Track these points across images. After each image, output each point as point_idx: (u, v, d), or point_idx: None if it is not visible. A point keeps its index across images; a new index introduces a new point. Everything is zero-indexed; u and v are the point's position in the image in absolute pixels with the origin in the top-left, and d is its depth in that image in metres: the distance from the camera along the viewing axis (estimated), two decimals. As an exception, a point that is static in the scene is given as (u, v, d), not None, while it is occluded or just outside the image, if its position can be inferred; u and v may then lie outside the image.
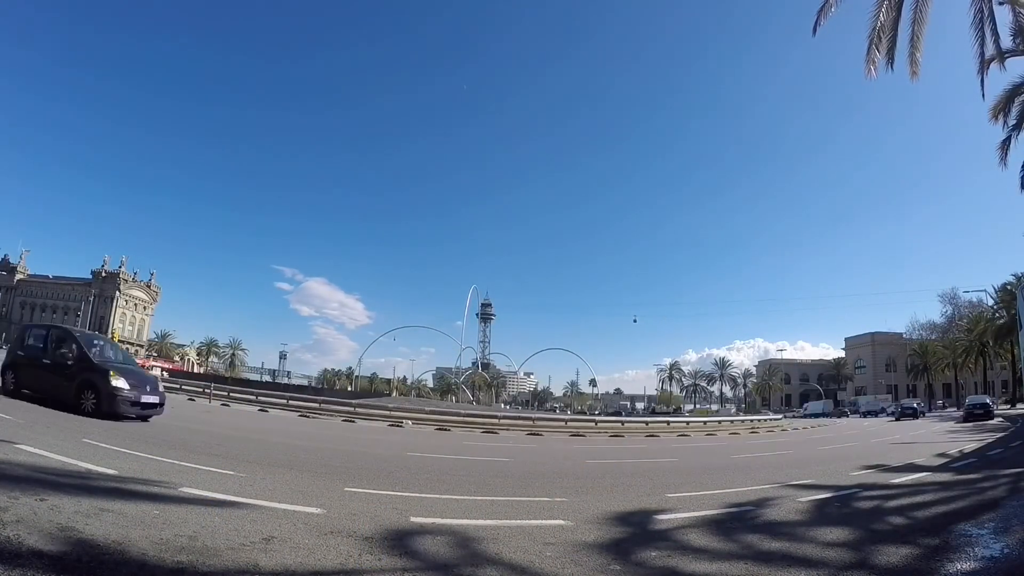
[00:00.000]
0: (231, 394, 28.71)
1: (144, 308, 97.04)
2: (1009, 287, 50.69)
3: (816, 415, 65.79)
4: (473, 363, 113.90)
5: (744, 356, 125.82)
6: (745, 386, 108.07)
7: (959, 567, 3.82)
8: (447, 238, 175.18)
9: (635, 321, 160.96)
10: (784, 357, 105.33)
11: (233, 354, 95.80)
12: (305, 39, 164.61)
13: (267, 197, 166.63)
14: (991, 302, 59.21)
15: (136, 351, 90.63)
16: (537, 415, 37.35)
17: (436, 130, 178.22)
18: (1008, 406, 51.80)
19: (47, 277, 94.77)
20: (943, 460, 11.79)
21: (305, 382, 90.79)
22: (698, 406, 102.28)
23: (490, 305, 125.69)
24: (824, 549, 4.43)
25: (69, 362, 11.65)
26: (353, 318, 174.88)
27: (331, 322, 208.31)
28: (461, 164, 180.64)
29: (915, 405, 49.85)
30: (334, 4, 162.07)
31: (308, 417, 23.22)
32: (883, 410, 63.45)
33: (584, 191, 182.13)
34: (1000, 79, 17.05)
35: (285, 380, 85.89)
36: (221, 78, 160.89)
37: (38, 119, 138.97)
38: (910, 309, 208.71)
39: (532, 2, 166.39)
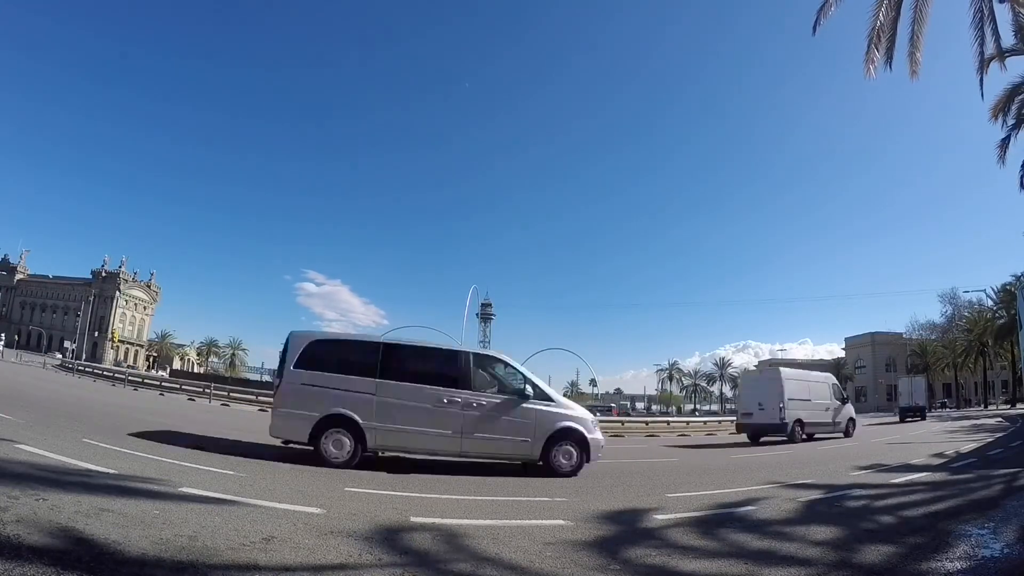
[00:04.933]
0: (231, 394, 28.71)
1: (144, 308, 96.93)
2: (1009, 287, 50.74)
3: None
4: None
5: (748, 356, 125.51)
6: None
7: (952, 566, 3.83)
8: (451, 240, 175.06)
9: None
10: (784, 357, 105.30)
11: (233, 354, 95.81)
12: (316, 46, 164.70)
13: (277, 202, 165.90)
14: (991, 302, 59.34)
15: (136, 351, 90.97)
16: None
17: (443, 136, 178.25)
18: (1008, 406, 51.87)
19: (47, 277, 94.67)
20: (941, 460, 11.80)
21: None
22: (699, 406, 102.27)
23: (490, 305, 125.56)
24: (818, 548, 4.45)
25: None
26: (374, 320, 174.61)
27: (338, 322, 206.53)
28: (466, 169, 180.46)
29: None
30: (347, 11, 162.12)
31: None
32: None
33: (588, 194, 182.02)
34: (1000, 79, 17.07)
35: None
36: (228, 85, 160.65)
37: (40, 121, 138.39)
38: (910, 309, 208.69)
39: (542, 9, 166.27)
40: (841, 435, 19.90)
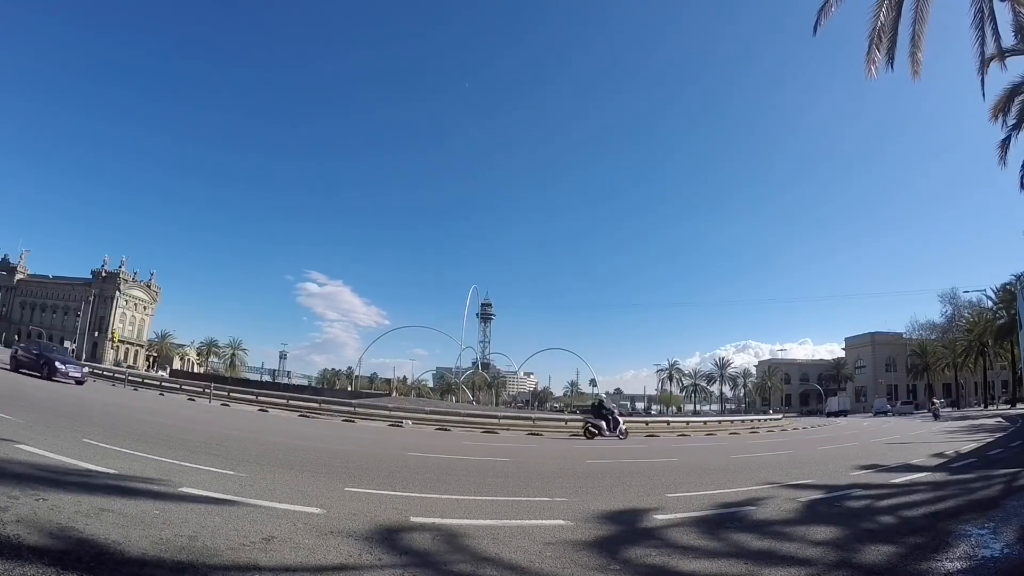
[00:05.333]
0: (231, 394, 28.71)
1: (144, 308, 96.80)
2: (1009, 287, 50.70)
3: (834, 413, 68.28)
4: (473, 363, 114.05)
5: (748, 356, 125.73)
6: (745, 386, 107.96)
7: (952, 566, 3.83)
8: (452, 240, 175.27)
9: None
10: (784, 357, 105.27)
11: (233, 354, 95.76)
12: (316, 46, 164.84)
13: (279, 202, 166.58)
14: (991, 302, 59.30)
15: (136, 351, 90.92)
16: (537, 415, 37.35)
17: (443, 136, 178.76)
18: (1008, 406, 51.86)
19: (47, 277, 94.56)
20: (941, 460, 11.80)
21: (305, 382, 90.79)
22: (699, 407, 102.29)
23: (490, 305, 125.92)
24: (819, 548, 4.45)
25: None
26: (375, 321, 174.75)
27: (339, 322, 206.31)
28: (467, 169, 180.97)
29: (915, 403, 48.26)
30: (347, 11, 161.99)
31: (308, 417, 23.22)
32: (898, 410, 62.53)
33: (588, 194, 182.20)
34: (1001, 78, 17.05)
35: (285, 380, 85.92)
36: (228, 85, 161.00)
37: (40, 120, 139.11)
38: (910, 309, 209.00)
39: (542, 10, 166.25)
40: None
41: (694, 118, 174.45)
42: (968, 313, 68.81)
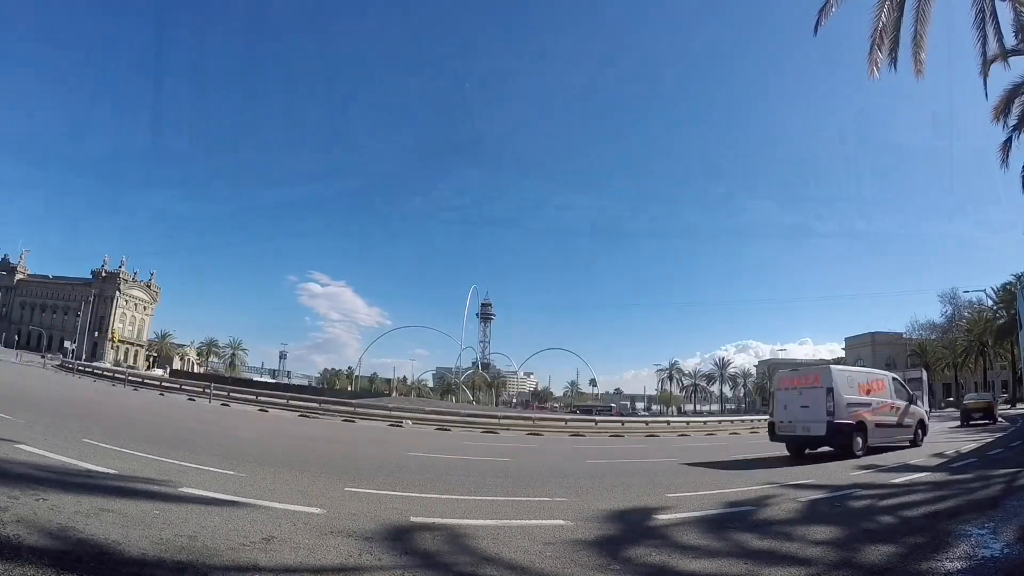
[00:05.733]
0: (231, 394, 28.73)
1: (144, 308, 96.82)
2: (1009, 287, 50.75)
3: None
4: (473, 363, 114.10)
5: (748, 356, 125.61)
6: (745, 386, 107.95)
7: (952, 566, 3.83)
8: (452, 240, 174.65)
9: None
10: (784, 357, 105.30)
11: (233, 354, 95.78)
12: (335, 68, 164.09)
13: (281, 203, 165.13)
14: (991, 302, 59.37)
15: (136, 351, 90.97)
16: (537, 415, 37.38)
17: (445, 139, 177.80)
18: (1008, 406, 51.92)
19: (47, 277, 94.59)
20: (941, 460, 11.79)
21: (305, 382, 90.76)
22: (699, 406, 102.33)
23: (490, 305, 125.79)
24: (819, 548, 4.45)
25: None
26: (376, 321, 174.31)
27: (341, 322, 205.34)
28: (467, 170, 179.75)
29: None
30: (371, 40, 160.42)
31: (308, 417, 23.24)
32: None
33: (591, 197, 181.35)
34: (1003, 78, 16.99)
35: (285, 380, 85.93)
36: (231, 81, 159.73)
37: (39, 119, 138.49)
38: (910, 309, 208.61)
39: (576, 41, 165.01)
40: None
41: (704, 130, 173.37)
42: (968, 313, 68.89)
